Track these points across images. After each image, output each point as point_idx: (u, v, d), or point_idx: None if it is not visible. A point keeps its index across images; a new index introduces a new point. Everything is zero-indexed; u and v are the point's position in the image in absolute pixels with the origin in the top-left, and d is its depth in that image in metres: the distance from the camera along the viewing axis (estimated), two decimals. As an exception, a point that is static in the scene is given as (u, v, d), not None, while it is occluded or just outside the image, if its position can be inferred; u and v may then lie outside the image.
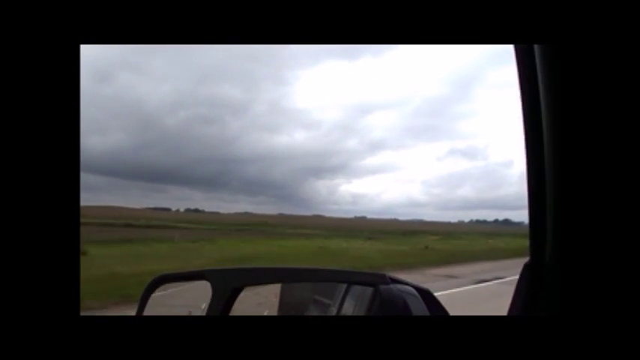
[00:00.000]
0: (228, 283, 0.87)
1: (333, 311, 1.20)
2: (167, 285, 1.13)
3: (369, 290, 0.90)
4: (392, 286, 0.80)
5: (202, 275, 0.94)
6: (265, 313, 1.24)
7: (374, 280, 0.83)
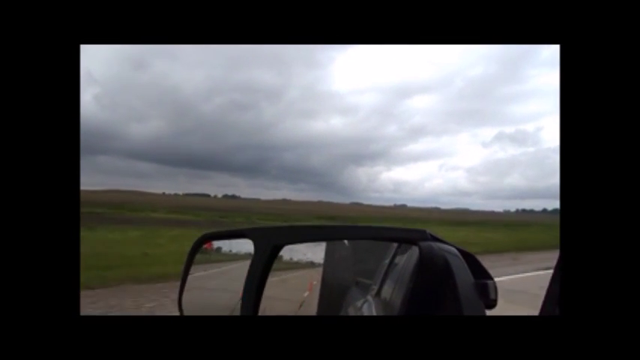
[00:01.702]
0: (269, 241, 0.89)
1: (373, 290, 1.20)
2: (206, 266, 1.18)
3: (411, 263, 0.87)
4: (432, 243, 0.76)
5: (244, 234, 0.96)
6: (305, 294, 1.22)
7: (415, 237, 0.78)
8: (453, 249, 0.76)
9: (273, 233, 0.94)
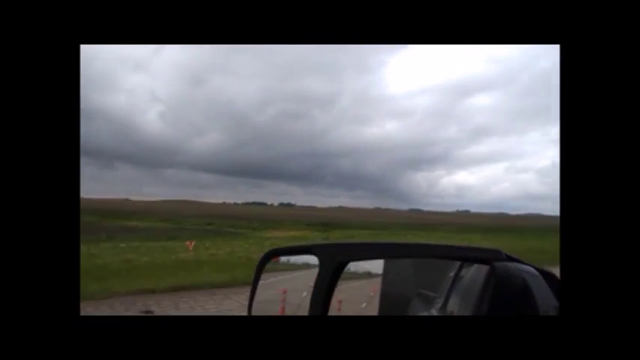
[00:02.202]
0: (334, 258, 0.88)
1: (438, 304, 1.15)
2: (276, 272, 1.19)
3: (481, 277, 0.84)
4: (508, 263, 0.71)
5: (310, 250, 0.96)
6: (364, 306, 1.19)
7: (487, 256, 0.74)
8: (532, 269, 0.71)
9: (338, 250, 0.93)
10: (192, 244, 14.63)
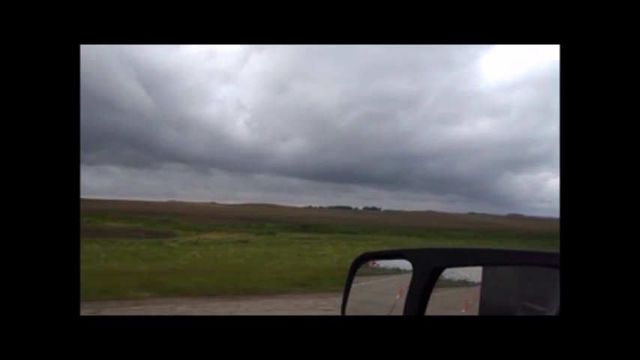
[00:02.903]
0: (429, 263, 0.85)
1: None
2: (369, 276, 1.17)
3: None
4: None
5: (402, 254, 0.94)
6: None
7: None
8: None
9: (432, 255, 0.89)
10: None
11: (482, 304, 1.00)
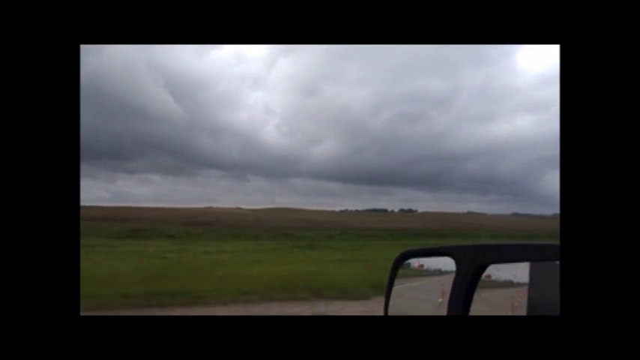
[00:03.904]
0: (473, 260, 0.84)
1: None
2: (413, 278, 1.15)
3: None
4: None
5: (445, 252, 0.93)
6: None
7: None
8: None
9: (476, 252, 0.87)
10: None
11: (531, 306, 0.96)
